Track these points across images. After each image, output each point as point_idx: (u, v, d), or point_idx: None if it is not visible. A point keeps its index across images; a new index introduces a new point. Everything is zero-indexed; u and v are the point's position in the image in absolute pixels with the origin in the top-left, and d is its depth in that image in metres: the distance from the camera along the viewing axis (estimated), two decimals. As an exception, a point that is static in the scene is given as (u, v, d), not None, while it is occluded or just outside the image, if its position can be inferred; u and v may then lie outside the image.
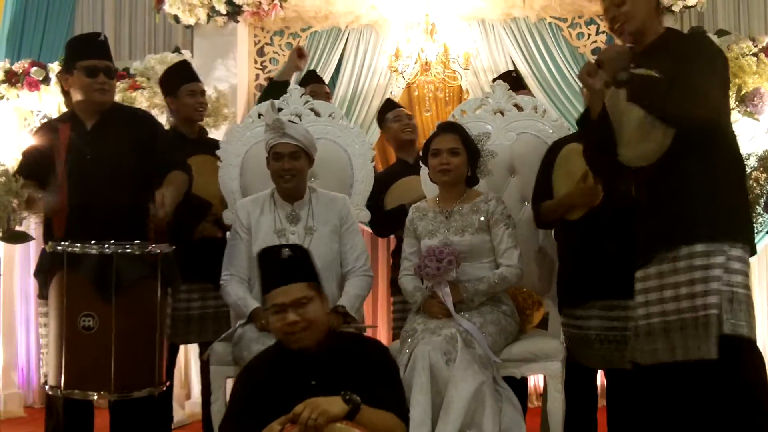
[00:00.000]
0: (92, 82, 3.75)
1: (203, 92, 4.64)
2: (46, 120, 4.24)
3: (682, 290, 3.09)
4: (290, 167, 3.82)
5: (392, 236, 5.22)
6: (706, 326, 3.02)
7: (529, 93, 5.54)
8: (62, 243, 3.41)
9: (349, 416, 2.74)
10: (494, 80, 4.75)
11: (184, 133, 4.58)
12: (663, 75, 3.01)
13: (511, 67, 6.10)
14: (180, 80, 4.61)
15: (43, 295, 3.61)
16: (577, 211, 3.81)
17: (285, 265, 3.00)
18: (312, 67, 6.17)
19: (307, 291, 2.98)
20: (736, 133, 3.31)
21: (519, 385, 3.95)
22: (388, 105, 5.33)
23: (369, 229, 5.40)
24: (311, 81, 5.31)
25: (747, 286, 3.10)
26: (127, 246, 3.41)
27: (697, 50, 3.17)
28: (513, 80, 4.87)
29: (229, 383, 3.85)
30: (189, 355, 5.67)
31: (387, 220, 4.63)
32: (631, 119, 3.10)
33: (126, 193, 3.68)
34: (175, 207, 3.64)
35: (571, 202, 3.82)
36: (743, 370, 3.05)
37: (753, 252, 3.22)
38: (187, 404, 5.69)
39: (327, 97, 5.22)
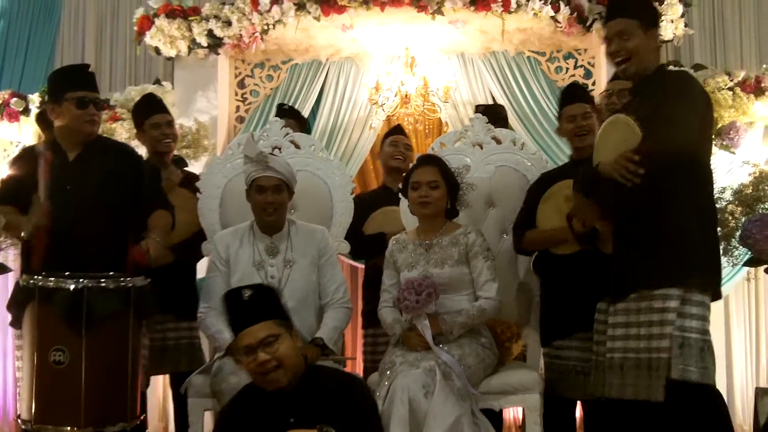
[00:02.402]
0: (83, 114, 3.75)
1: (169, 123, 4.56)
2: (26, 147, 4.21)
3: (642, 330, 3.14)
4: (273, 200, 3.82)
5: (362, 268, 5.21)
6: (657, 369, 3.06)
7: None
8: (35, 277, 3.38)
9: None
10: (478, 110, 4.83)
11: (157, 166, 4.52)
12: (645, 117, 3.06)
13: (490, 100, 6.16)
14: (144, 114, 4.57)
15: (16, 326, 3.59)
16: (568, 246, 3.83)
17: (247, 307, 2.98)
18: (292, 100, 6.20)
19: (273, 329, 2.94)
20: (712, 168, 3.35)
21: (497, 418, 3.94)
22: (394, 130, 5.30)
23: (348, 261, 5.39)
24: (284, 116, 5.16)
25: (703, 331, 3.12)
26: (100, 280, 3.38)
27: (679, 92, 3.17)
28: (495, 113, 4.94)
29: (207, 415, 3.85)
30: (167, 388, 5.62)
31: (364, 244, 4.62)
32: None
33: (105, 225, 3.67)
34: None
35: (563, 238, 3.83)
36: (695, 416, 3.08)
37: (716, 297, 3.26)
38: (164, 437, 5.65)
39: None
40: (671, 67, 3.52)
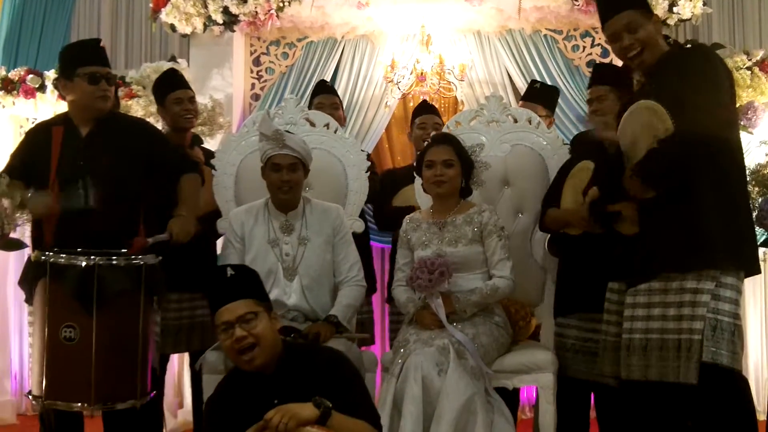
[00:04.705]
0: (95, 89, 3.72)
1: (191, 99, 4.57)
2: (40, 122, 4.19)
3: (670, 311, 3.10)
4: (289, 179, 3.81)
5: (389, 247, 5.22)
6: (688, 350, 3.03)
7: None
8: (46, 252, 3.38)
9: (321, 420, 2.74)
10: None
11: (178, 143, 4.51)
12: (669, 94, 3.02)
13: (506, 79, 6.15)
14: (166, 89, 4.57)
15: (30, 301, 3.60)
16: (575, 228, 3.82)
17: (229, 284, 3.02)
18: (307, 78, 6.21)
19: (252, 306, 2.98)
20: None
21: (510, 397, 3.95)
22: (422, 107, 5.30)
23: (376, 244, 5.40)
24: (320, 92, 5.22)
25: (736, 315, 3.08)
26: (111, 257, 3.38)
27: (701, 67, 3.13)
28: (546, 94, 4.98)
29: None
30: (183, 364, 5.66)
31: (392, 216, 4.62)
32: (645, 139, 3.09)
33: (118, 201, 3.67)
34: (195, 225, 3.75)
35: (568, 219, 3.81)
36: (721, 400, 3.05)
37: (754, 271, 3.21)
38: (180, 413, 5.68)
39: (335, 108, 5.08)
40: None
